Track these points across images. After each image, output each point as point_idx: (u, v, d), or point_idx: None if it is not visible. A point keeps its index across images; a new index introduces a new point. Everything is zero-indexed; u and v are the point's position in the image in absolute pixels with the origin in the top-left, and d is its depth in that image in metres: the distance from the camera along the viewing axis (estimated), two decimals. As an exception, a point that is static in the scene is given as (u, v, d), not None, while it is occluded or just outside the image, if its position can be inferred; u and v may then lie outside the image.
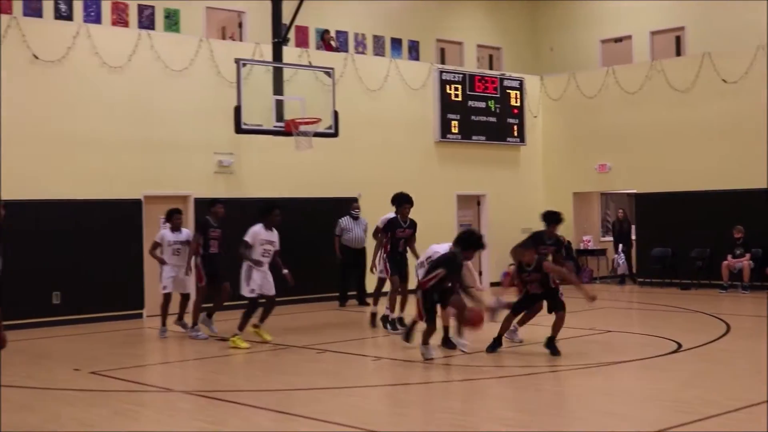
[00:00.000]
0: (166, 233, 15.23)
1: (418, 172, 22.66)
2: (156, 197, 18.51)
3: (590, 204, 26.26)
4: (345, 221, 19.88)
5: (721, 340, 13.62)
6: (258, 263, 13.52)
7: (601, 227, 26.66)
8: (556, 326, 12.28)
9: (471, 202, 24.36)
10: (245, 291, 13.63)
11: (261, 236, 13.55)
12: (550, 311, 12.56)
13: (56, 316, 17.11)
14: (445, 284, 11.87)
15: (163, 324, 15.22)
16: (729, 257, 21.29)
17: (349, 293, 20.28)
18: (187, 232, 15.37)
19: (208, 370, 12.48)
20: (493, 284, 23.80)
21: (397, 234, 15.28)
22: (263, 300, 13.95)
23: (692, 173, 22.68)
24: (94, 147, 17.85)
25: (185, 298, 15.38)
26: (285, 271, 13.79)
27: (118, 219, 18.04)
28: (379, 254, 15.53)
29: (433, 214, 22.79)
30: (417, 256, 14.98)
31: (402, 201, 15.37)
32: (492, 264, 24.12)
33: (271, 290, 13.85)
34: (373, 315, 16.08)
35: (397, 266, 15.38)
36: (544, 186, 25.59)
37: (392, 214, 15.40)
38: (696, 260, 22.10)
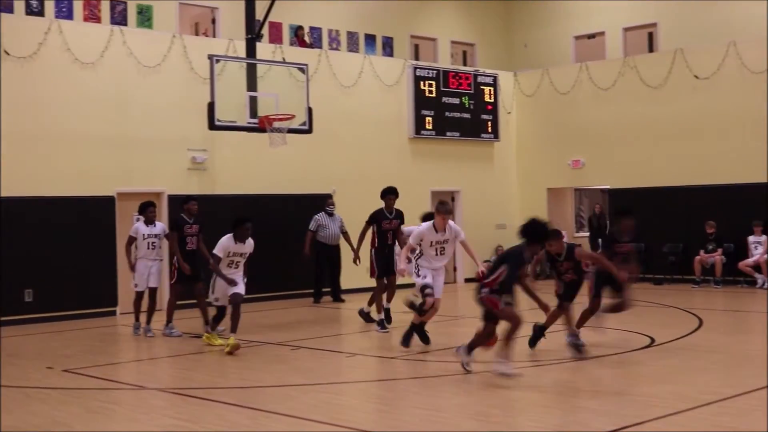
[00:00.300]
0: (140, 226, 15.05)
1: (392, 168, 22.66)
2: (129, 194, 18.42)
3: (564, 200, 26.36)
4: (320, 217, 19.85)
5: (694, 335, 13.70)
6: (231, 282, 13.04)
7: (575, 223, 26.76)
8: (553, 318, 12.07)
9: (445, 198, 24.36)
10: (210, 297, 13.54)
11: (230, 249, 13.15)
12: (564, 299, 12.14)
13: (28, 314, 17.00)
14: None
15: (137, 320, 15.13)
16: (701, 252, 21.44)
17: (324, 290, 20.25)
18: (161, 225, 15.22)
19: (181, 367, 12.43)
20: (467, 280, 23.84)
21: (383, 226, 15.09)
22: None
23: (665, 169, 22.81)
24: (66, 143, 17.74)
25: (152, 292, 15.04)
26: (245, 279, 13.46)
27: (91, 216, 17.94)
28: (369, 252, 15.30)
29: (408, 210, 22.72)
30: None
31: (386, 192, 15.26)
32: (467, 260, 24.13)
33: (231, 294, 13.08)
34: (366, 314, 15.84)
35: (386, 264, 15.06)
36: (518, 182, 25.65)
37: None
38: (669, 255, 22.23)
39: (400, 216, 15.30)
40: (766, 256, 20.64)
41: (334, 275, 20.15)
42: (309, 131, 18.25)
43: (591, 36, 26.90)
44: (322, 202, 20.08)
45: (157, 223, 15.18)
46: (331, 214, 19.96)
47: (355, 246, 15.95)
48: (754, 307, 17.82)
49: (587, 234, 25.80)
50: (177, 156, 19.18)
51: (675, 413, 8.40)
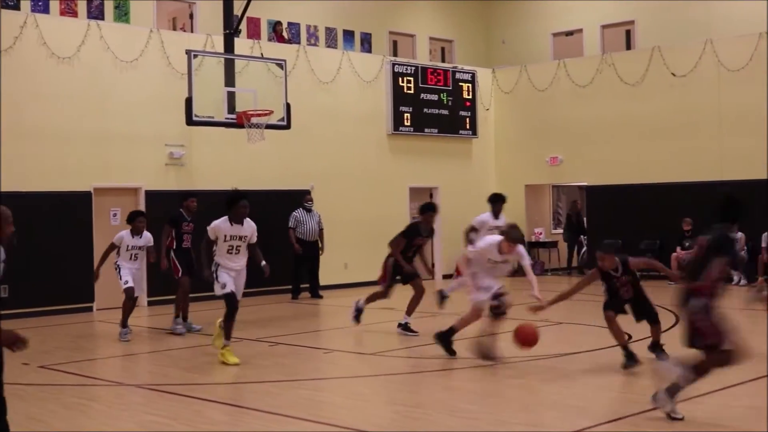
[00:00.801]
0: (125, 236, 14.24)
1: (370, 164, 22.68)
2: (106, 189, 18.34)
3: (542, 196, 26.43)
4: (298, 214, 19.82)
5: (670, 331, 13.75)
6: (228, 270, 11.72)
7: (552, 220, 26.85)
8: (655, 334, 11.23)
9: (423, 195, 24.37)
10: (216, 290, 11.81)
11: (224, 231, 11.70)
12: (639, 319, 11.26)
13: (4, 309, 16.86)
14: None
15: (125, 325, 14.10)
16: (678, 249, 21.55)
17: (302, 286, 20.22)
18: (148, 236, 14.38)
19: (159, 363, 12.38)
20: (445, 276, 23.88)
21: (415, 242, 14.06)
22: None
23: (642, 166, 22.92)
24: (42, 138, 17.63)
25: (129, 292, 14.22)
26: (263, 263, 12.12)
27: (67, 211, 17.84)
28: (385, 259, 14.25)
29: (386, 206, 22.88)
30: (428, 266, 14.48)
31: (426, 209, 14.15)
32: (444, 256, 24.20)
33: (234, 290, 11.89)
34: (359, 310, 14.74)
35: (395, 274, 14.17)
36: (496, 178, 25.69)
37: (487, 215, 14.79)
38: (645, 252, 22.31)
39: (431, 234, 14.38)
40: (741, 253, 20.77)
41: (312, 271, 20.13)
42: (287, 127, 18.22)
43: (569, 33, 26.98)
44: (300, 198, 20.06)
45: (144, 233, 14.36)
46: (309, 210, 19.94)
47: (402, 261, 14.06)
48: (730, 304, 17.89)
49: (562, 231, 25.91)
50: (154, 151, 19.10)
51: (653, 408, 8.44)
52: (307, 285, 20.22)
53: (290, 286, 20.14)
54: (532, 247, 25.32)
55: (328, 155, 21.87)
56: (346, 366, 11.88)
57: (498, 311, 11.41)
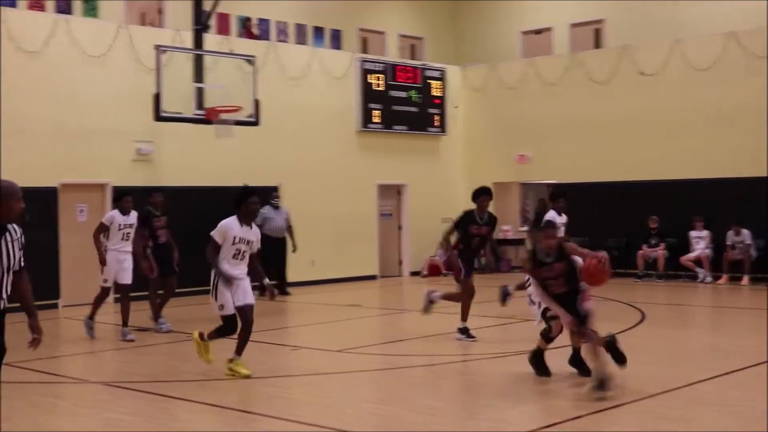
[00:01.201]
0: (116, 215, 13.79)
1: (339, 161, 22.67)
2: (73, 185, 18.21)
3: (510, 194, 26.50)
4: (266, 210, 19.78)
5: (637, 328, 13.87)
6: (229, 280, 10.28)
7: (520, 217, 26.93)
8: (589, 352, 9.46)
9: (392, 192, 24.42)
10: (214, 308, 10.49)
11: (233, 233, 10.26)
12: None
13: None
14: None
15: (92, 317, 13.85)
16: (644, 247, 21.72)
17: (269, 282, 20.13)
18: (136, 214, 13.99)
19: (125, 360, 12.32)
20: (413, 273, 23.93)
21: (471, 231, 12.85)
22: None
23: (610, 164, 23.05)
24: (8, 134, 17.44)
25: (125, 289, 13.81)
26: (266, 280, 11.09)
27: (34, 207, 17.63)
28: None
29: (354, 203, 22.89)
30: (497, 256, 12.23)
31: (479, 193, 13.00)
32: (413, 253, 24.25)
33: (243, 305, 10.46)
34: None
35: (471, 267, 13.07)
36: (465, 176, 25.72)
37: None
38: (612, 249, 22.43)
39: (492, 222, 13.14)
40: (707, 251, 20.96)
41: (280, 268, 20.09)
42: (256, 123, 18.17)
43: (538, 31, 27.07)
44: (268, 195, 19.99)
45: (132, 212, 13.93)
46: (276, 207, 19.91)
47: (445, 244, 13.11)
48: (696, 301, 18.13)
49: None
50: (122, 147, 18.98)
51: (618, 405, 8.49)
52: (275, 282, 20.14)
53: (257, 283, 20.00)
54: (500, 244, 25.40)
55: (296, 152, 21.82)
56: (313, 363, 11.87)
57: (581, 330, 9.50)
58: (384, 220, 24.16)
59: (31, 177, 17.60)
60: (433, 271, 23.69)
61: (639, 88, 22.78)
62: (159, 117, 16.92)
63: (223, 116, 17.21)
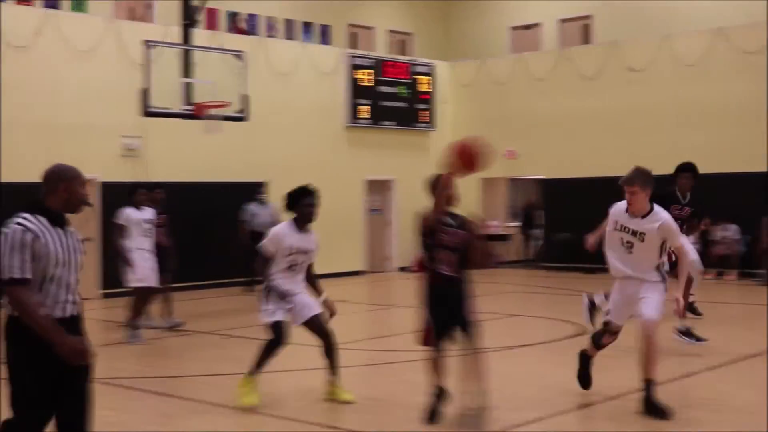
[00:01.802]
0: (129, 212, 12.99)
1: (327, 157, 22.68)
2: (61, 180, 18.15)
3: (498, 189, 26.54)
4: (253, 207, 19.77)
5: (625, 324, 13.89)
6: (283, 297, 8.98)
7: (508, 213, 26.99)
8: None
9: (380, 188, 24.44)
10: (262, 315, 9.11)
11: (288, 240, 8.96)
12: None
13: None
14: None
15: (136, 322, 12.86)
16: (632, 242, 21.79)
17: (256, 279, 20.14)
18: (150, 209, 13.26)
19: (111, 356, 12.29)
20: (401, 269, 23.95)
21: (674, 213, 11.02)
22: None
23: (598, 159, 23.09)
24: (-4, 128, 17.46)
25: (151, 292, 13.11)
26: (324, 297, 9.28)
27: (20, 204, 17.59)
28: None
29: (342, 199, 22.87)
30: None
31: (682, 168, 11.88)
32: (401, 249, 24.26)
33: (308, 315, 9.07)
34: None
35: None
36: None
37: None
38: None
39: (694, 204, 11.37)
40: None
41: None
42: (245, 119, 18.16)
43: (527, 27, 27.12)
44: (255, 191, 19.97)
45: (146, 208, 13.22)
46: (262, 203, 19.90)
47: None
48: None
49: (520, 224, 26.12)
50: (110, 142, 18.97)
51: (605, 400, 8.53)
52: (261, 278, 20.11)
53: (243, 279, 20.04)
54: (488, 239, 25.43)
55: (285, 147, 21.82)
56: (299, 359, 11.89)
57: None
58: (372, 215, 24.18)
59: (18, 173, 17.59)
60: (422, 267, 23.66)
61: (627, 84, 22.85)
62: (147, 112, 16.91)
63: (212, 111, 17.20)
